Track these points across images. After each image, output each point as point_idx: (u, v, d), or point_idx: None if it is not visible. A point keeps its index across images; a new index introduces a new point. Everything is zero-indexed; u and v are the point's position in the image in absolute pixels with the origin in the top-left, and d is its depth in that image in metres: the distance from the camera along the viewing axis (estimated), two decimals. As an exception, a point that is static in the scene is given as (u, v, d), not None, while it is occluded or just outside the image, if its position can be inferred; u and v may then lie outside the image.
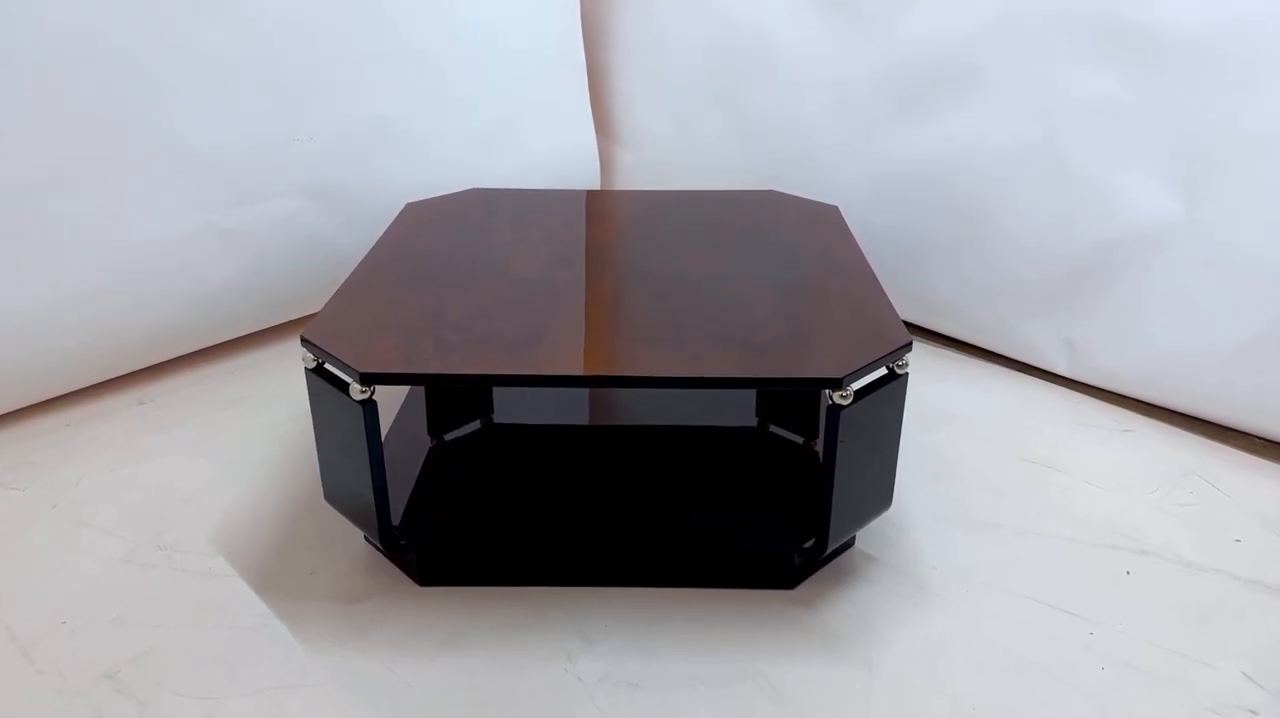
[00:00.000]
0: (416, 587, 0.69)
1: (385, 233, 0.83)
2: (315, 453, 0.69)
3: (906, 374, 0.65)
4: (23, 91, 0.81)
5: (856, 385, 0.62)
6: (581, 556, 0.68)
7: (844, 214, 0.90)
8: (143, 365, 0.96)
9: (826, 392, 0.61)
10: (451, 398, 0.81)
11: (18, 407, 0.89)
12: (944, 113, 0.97)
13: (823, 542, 0.65)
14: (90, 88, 0.84)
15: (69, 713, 0.58)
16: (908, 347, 0.64)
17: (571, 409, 0.83)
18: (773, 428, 0.81)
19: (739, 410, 0.83)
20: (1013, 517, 0.77)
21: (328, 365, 0.64)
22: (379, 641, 0.64)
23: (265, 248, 0.97)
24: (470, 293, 0.71)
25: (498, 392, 0.84)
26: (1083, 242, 0.92)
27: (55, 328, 0.86)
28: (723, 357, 0.62)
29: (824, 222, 0.87)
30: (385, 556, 0.71)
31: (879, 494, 0.68)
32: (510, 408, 0.83)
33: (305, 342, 0.64)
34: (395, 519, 0.68)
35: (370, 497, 0.64)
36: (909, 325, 1.10)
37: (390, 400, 0.92)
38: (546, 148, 1.17)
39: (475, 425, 0.81)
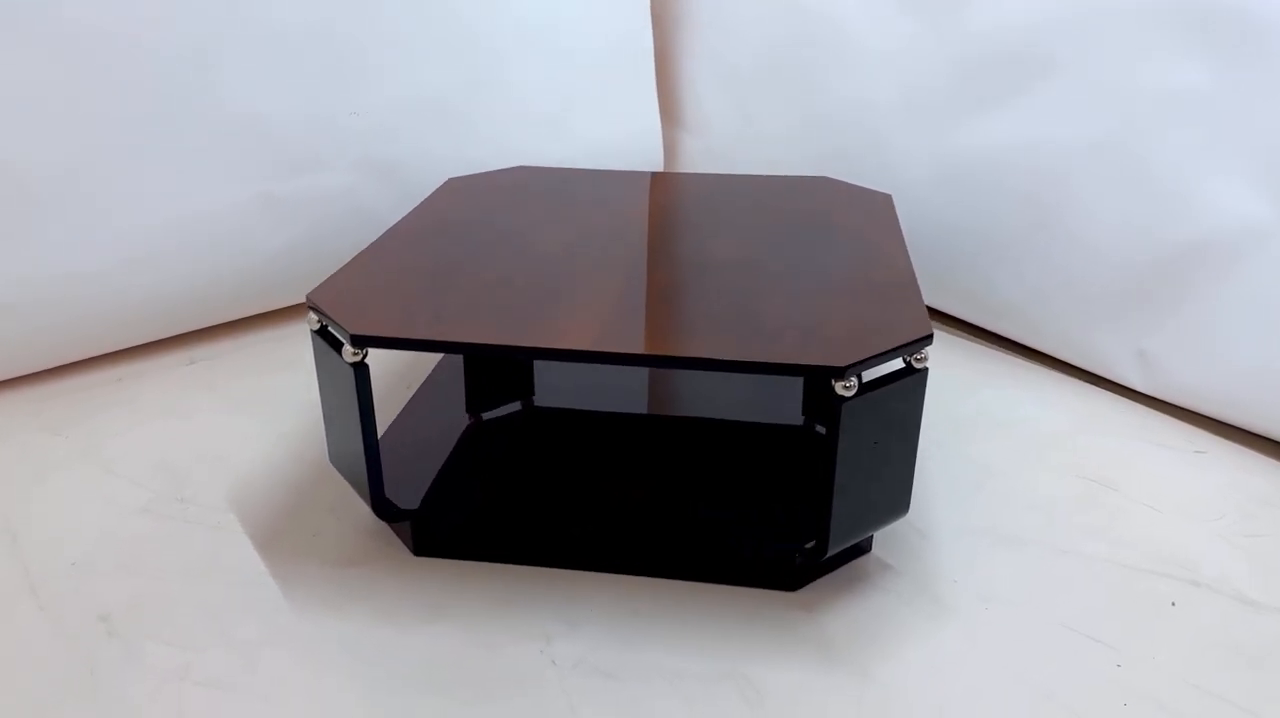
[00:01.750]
0: (413, 557, 0.68)
1: (419, 204, 0.83)
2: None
3: (925, 369, 0.60)
4: (85, 61, 0.84)
5: (867, 377, 0.58)
6: (578, 539, 0.66)
7: (907, 207, 0.85)
8: (195, 327, 0.98)
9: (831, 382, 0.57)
10: (490, 377, 0.79)
11: (73, 359, 0.93)
12: (1015, 104, 0.91)
13: (823, 543, 0.61)
14: (150, 59, 0.87)
15: (59, 651, 0.60)
16: (926, 339, 0.60)
17: (614, 397, 0.80)
18: (818, 427, 0.77)
19: (789, 408, 0.79)
20: (1054, 535, 0.71)
21: (330, 328, 0.63)
22: (364, 606, 0.63)
23: (317, 219, 0.98)
24: (487, 265, 0.69)
25: (541, 375, 0.82)
26: (1159, 245, 0.84)
27: (111, 286, 0.89)
28: (724, 339, 0.59)
29: (872, 209, 0.82)
30: (390, 526, 0.70)
31: (893, 498, 0.64)
32: (552, 393, 0.81)
33: (310, 304, 0.64)
34: (421, 493, 0.67)
35: (363, 461, 0.63)
36: (969, 327, 1.04)
37: (415, 371, 0.92)
38: (609, 133, 1.15)
39: (515, 407, 0.80)
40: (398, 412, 0.80)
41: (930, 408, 0.88)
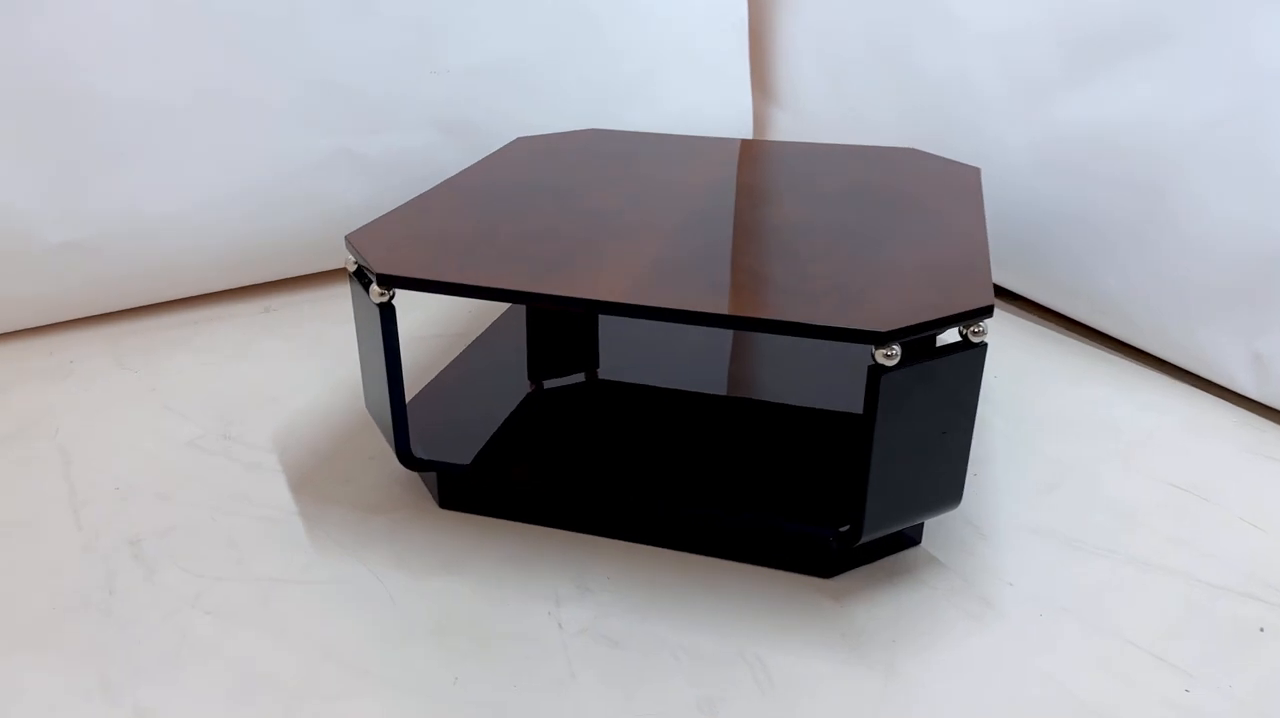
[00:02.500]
0: (439, 509, 0.67)
1: (480, 160, 0.81)
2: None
3: (983, 345, 0.55)
4: (183, 9, 0.86)
5: (916, 350, 0.53)
6: (605, 505, 0.63)
7: (1004, 190, 0.79)
8: (273, 278, 1.00)
9: (871, 350, 0.52)
10: (553, 348, 0.77)
11: (154, 301, 0.95)
12: (1124, 79, 0.83)
13: (857, 528, 0.56)
14: (245, 14, 0.88)
15: (85, 568, 0.61)
16: (985, 312, 0.54)
17: (682, 375, 0.76)
18: None
19: (859, 397, 0.74)
20: (1132, 544, 0.64)
21: (363, 268, 0.62)
22: (382, 552, 0.62)
23: (396, 176, 0.98)
24: (533, 218, 0.67)
25: (606, 349, 0.79)
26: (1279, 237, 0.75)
27: (192, 230, 0.91)
28: (760, 300, 0.55)
29: (956, 182, 0.76)
30: (422, 479, 0.69)
31: (943, 487, 0.58)
32: (617, 367, 0.77)
33: (348, 243, 0.63)
34: (451, 445, 0.65)
35: (389, 406, 0.62)
36: (1065, 320, 0.96)
37: (464, 327, 0.91)
38: (698, 103, 1.12)
39: (579, 378, 0.77)
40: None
41: (1010, 400, 0.81)
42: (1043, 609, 0.59)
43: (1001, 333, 0.95)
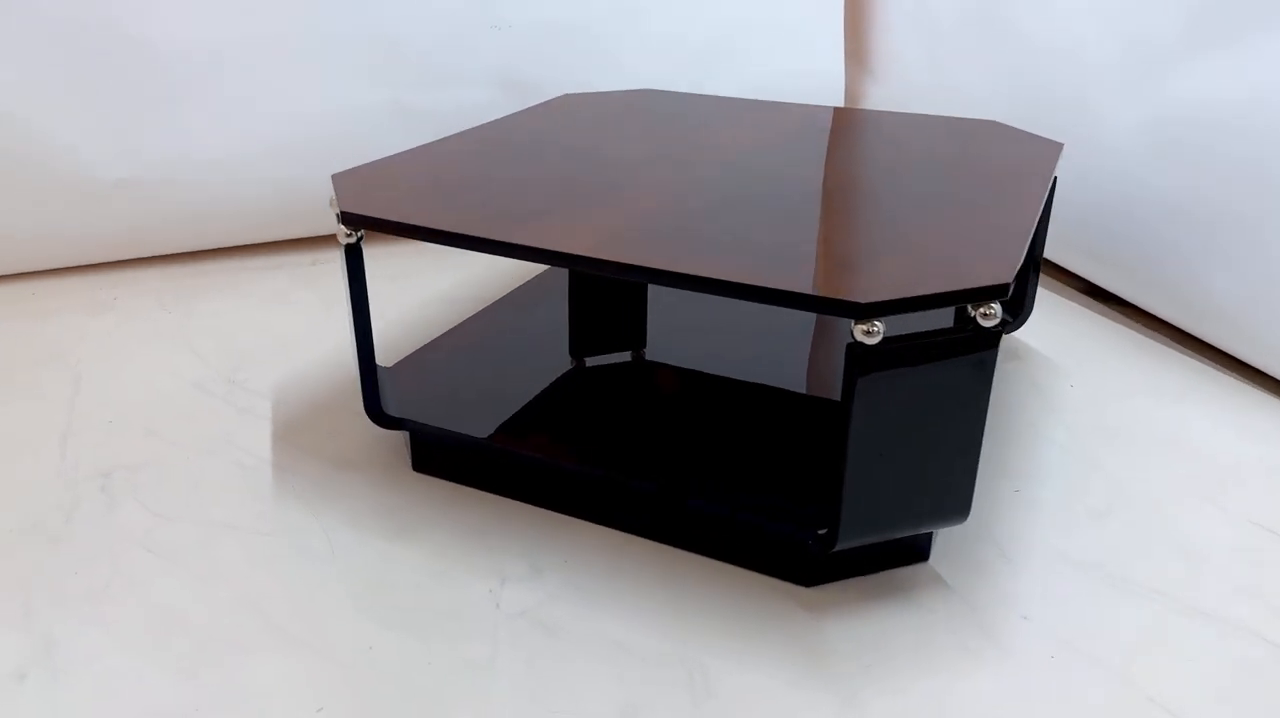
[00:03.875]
0: (411, 471, 0.64)
1: (516, 113, 0.78)
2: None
3: (996, 332, 0.47)
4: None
5: (913, 332, 0.46)
6: (575, 483, 0.58)
7: (1107, 177, 0.69)
8: (324, 232, 1.00)
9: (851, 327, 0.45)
10: (597, 323, 0.71)
11: (205, 247, 0.97)
12: (1249, 54, 0.71)
13: (834, 532, 0.50)
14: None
15: (53, 495, 0.61)
16: (997, 291, 0.46)
17: (726, 357, 0.69)
18: None
19: None
20: (1191, 590, 0.54)
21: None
22: (340, 510, 0.60)
23: (450, 132, 0.96)
24: (535, 170, 0.63)
25: (656, 330, 0.73)
26: None
27: (242, 175, 0.92)
28: (741, 263, 0.48)
29: (1026, 157, 0.67)
30: (404, 438, 0.66)
31: (943, 496, 0.50)
32: (665, 348, 0.72)
33: (333, 182, 0.60)
34: (442, 418, 0.62)
35: (357, 354, 0.59)
36: (1165, 326, 0.85)
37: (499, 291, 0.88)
38: (783, 70, 1.05)
39: (625, 357, 0.72)
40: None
41: (1081, 413, 0.71)
42: (1057, 652, 0.50)
43: (1092, 338, 0.84)
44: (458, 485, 0.62)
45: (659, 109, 0.80)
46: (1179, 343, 0.83)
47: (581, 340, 0.71)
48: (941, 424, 0.49)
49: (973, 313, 0.47)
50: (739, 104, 0.83)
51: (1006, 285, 0.46)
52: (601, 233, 0.52)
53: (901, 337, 0.46)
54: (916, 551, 0.56)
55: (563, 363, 0.69)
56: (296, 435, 0.68)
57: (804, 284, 0.46)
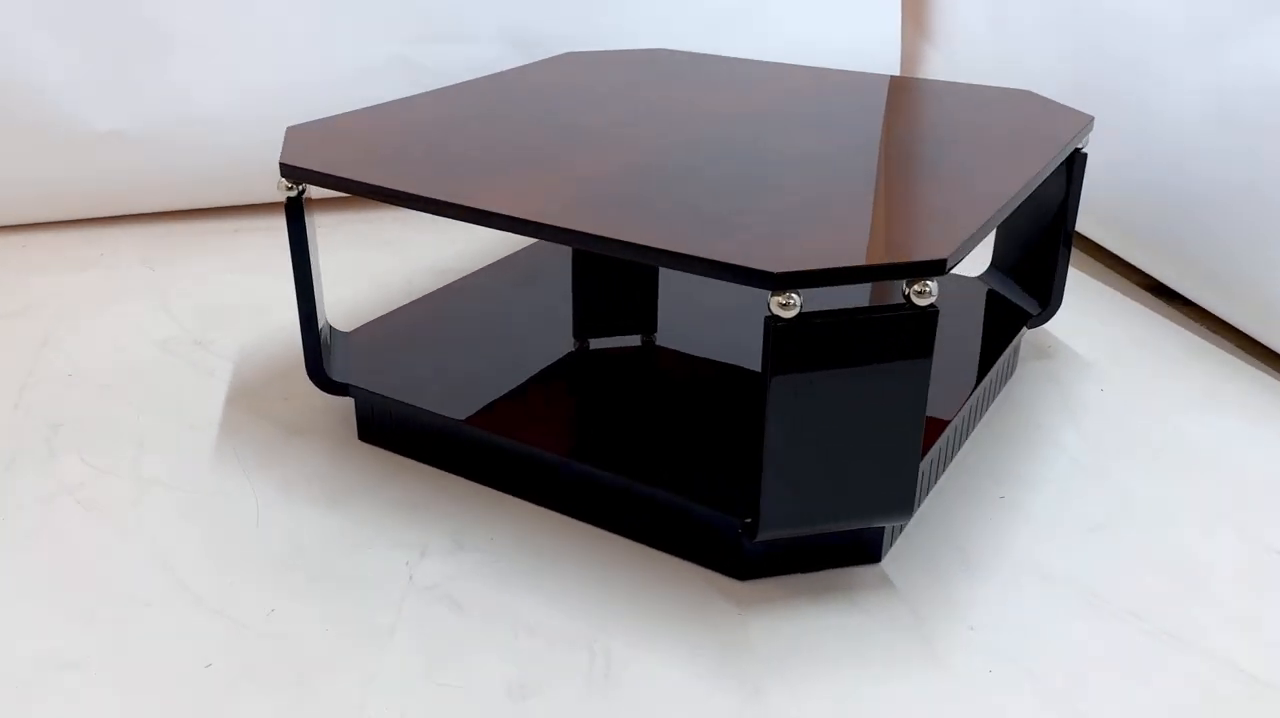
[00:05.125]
0: (358, 441, 0.68)
1: (506, 70, 0.82)
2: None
3: (932, 312, 0.49)
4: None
5: (843, 307, 0.48)
6: (508, 459, 0.62)
7: (1168, 153, 0.69)
8: (318, 195, 1.05)
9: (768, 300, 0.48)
10: (603, 304, 0.73)
11: (198, 206, 1.04)
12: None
13: (756, 519, 0.52)
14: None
15: None
16: (932, 267, 0.48)
17: (738, 347, 0.71)
18: None
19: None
20: (1171, 614, 0.55)
21: (294, 164, 0.64)
22: (275, 475, 0.64)
23: (454, 92, 1.01)
24: (500, 130, 0.67)
25: (668, 314, 0.75)
26: None
27: (237, 127, 0.98)
28: (667, 230, 0.51)
29: (1042, 129, 0.68)
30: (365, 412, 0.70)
31: (881, 489, 0.52)
32: (678, 335, 0.74)
33: (287, 134, 0.65)
34: (389, 387, 0.66)
35: (299, 314, 0.64)
36: (1225, 327, 0.83)
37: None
38: (834, 35, 1.06)
39: (634, 341, 0.74)
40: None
41: (1104, 418, 0.72)
42: (997, 666, 0.51)
43: (1143, 340, 0.83)
44: (402, 458, 0.66)
45: (662, 70, 0.83)
46: (1245, 350, 0.81)
47: (586, 321, 0.73)
48: (875, 411, 0.50)
49: (906, 290, 0.48)
50: (751, 66, 0.85)
51: (943, 262, 0.48)
52: (538, 196, 0.55)
53: (825, 312, 0.48)
54: (867, 550, 0.58)
55: (531, 339, 0.72)
56: (251, 399, 0.73)
57: (720, 252, 0.48)
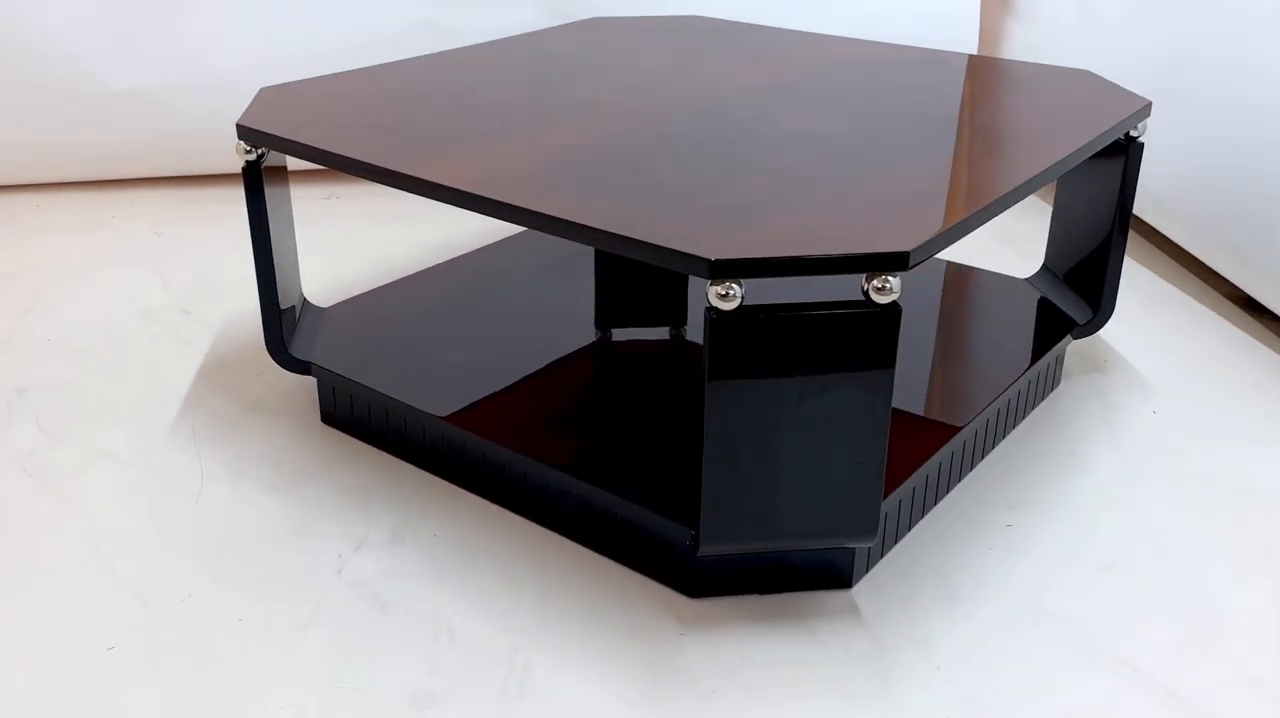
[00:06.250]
0: (319, 423, 0.69)
1: (516, 35, 0.82)
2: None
3: (894, 310, 0.46)
4: None
5: (791, 301, 0.46)
6: (471, 459, 0.62)
7: (1262, 143, 0.65)
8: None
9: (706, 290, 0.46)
10: (628, 293, 0.72)
11: (210, 172, 1.07)
12: None
13: (698, 533, 0.50)
14: None
15: (-36, 406, 0.70)
16: (894, 259, 0.45)
17: None
18: None
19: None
20: (1175, 668, 0.51)
21: (261, 127, 0.65)
22: (228, 454, 0.66)
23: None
24: (480, 98, 0.67)
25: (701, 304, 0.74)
26: None
27: (255, 89, 1.00)
28: (611, 210, 0.50)
29: (1086, 115, 0.64)
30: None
31: (839, 507, 0.50)
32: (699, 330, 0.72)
33: (257, 95, 0.66)
34: (351, 368, 0.67)
35: (258, 286, 0.65)
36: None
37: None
38: (908, 7, 1.03)
39: (662, 333, 0.74)
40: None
41: (1147, 445, 0.68)
42: (957, 712, 0.49)
43: (1220, 359, 0.78)
44: (361, 443, 0.67)
45: (688, 38, 0.82)
46: (1328, 373, 0.76)
47: (608, 311, 0.72)
48: (831, 420, 0.48)
49: (865, 286, 0.46)
50: (791, 37, 0.83)
51: (905, 255, 0.45)
52: (488, 168, 0.55)
53: (770, 306, 0.46)
54: (836, 575, 0.55)
55: (513, 328, 0.72)
56: (222, 374, 0.74)
57: (657, 235, 0.47)
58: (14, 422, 0.69)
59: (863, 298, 0.47)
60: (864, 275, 0.46)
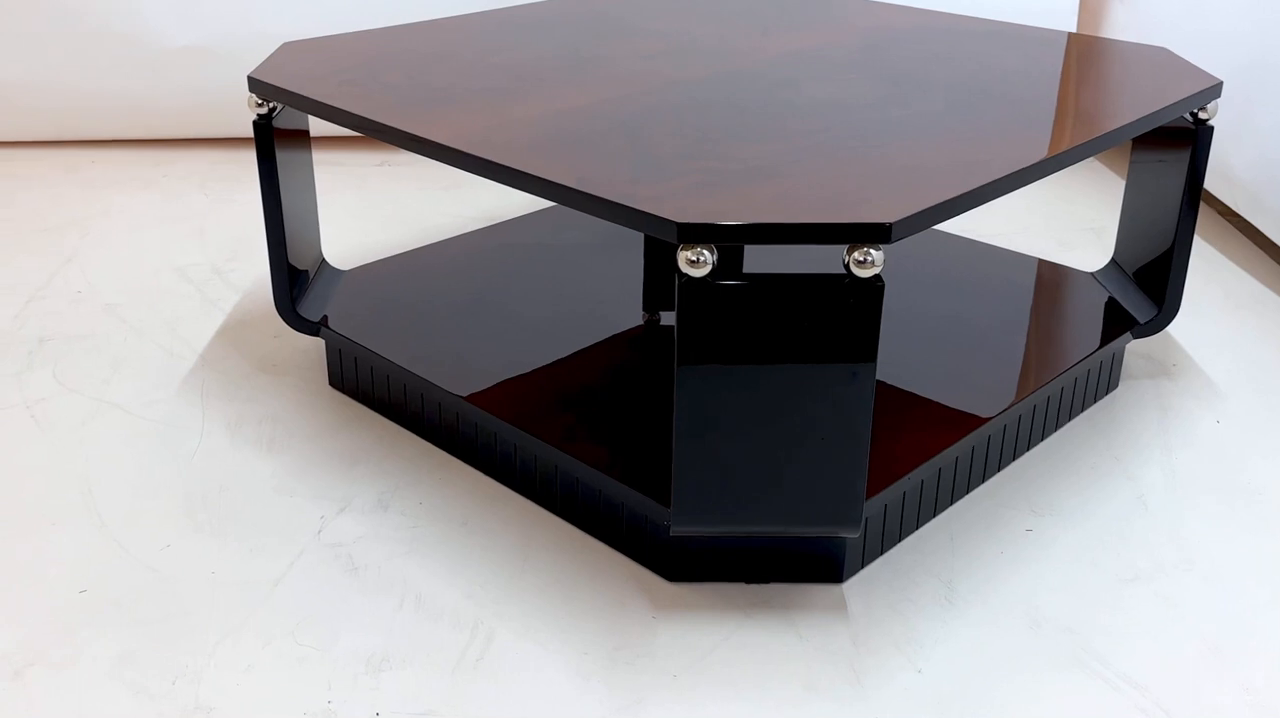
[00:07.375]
0: (327, 386, 0.72)
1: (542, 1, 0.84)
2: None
3: (877, 284, 0.47)
4: None
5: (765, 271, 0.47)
6: (466, 428, 0.64)
7: None
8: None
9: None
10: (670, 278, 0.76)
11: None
12: None
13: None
14: None
15: (-14, 351, 0.75)
16: (875, 231, 0.46)
17: None
18: None
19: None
20: (1183, 689, 0.50)
21: (280, 82, 0.68)
22: (233, 411, 0.69)
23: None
24: (498, 59, 0.69)
25: None
26: None
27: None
28: (589, 171, 0.51)
29: (1143, 94, 0.63)
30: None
31: (819, 494, 0.50)
32: None
33: (278, 50, 0.69)
34: (358, 332, 0.70)
35: (268, 244, 0.68)
36: None
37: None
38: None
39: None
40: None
41: (1198, 456, 0.67)
42: (927, 715, 0.48)
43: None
44: (364, 408, 0.70)
45: (741, 4, 0.82)
46: None
47: (656, 293, 0.74)
48: (810, 399, 0.49)
49: (846, 258, 0.47)
50: (852, 5, 0.83)
51: (888, 227, 0.46)
52: (482, 126, 0.57)
53: (746, 274, 0.47)
54: (827, 567, 0.56)
55: (528, 301, 0.74)
56: (242, 332, 0.78)
57: (628, 197, 0.48)
58: (31, 369, 0.73)
59: (844, 274, 0.47)
60: (845, 247, 0.47)
